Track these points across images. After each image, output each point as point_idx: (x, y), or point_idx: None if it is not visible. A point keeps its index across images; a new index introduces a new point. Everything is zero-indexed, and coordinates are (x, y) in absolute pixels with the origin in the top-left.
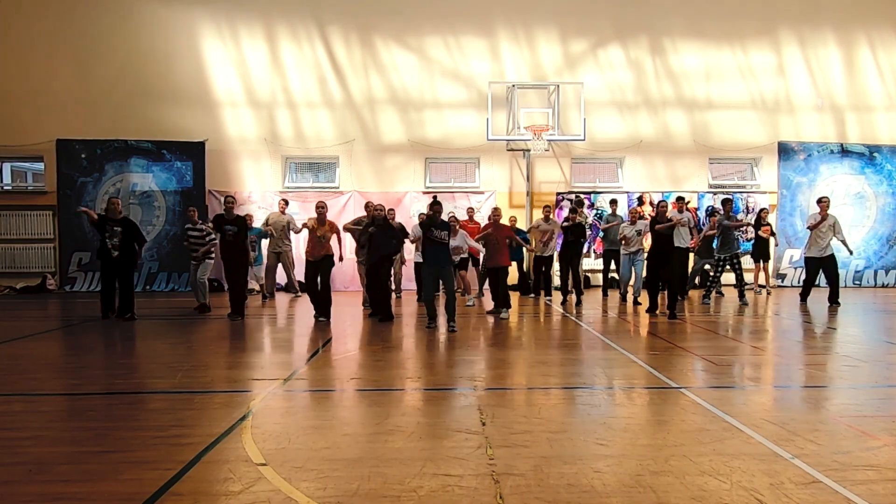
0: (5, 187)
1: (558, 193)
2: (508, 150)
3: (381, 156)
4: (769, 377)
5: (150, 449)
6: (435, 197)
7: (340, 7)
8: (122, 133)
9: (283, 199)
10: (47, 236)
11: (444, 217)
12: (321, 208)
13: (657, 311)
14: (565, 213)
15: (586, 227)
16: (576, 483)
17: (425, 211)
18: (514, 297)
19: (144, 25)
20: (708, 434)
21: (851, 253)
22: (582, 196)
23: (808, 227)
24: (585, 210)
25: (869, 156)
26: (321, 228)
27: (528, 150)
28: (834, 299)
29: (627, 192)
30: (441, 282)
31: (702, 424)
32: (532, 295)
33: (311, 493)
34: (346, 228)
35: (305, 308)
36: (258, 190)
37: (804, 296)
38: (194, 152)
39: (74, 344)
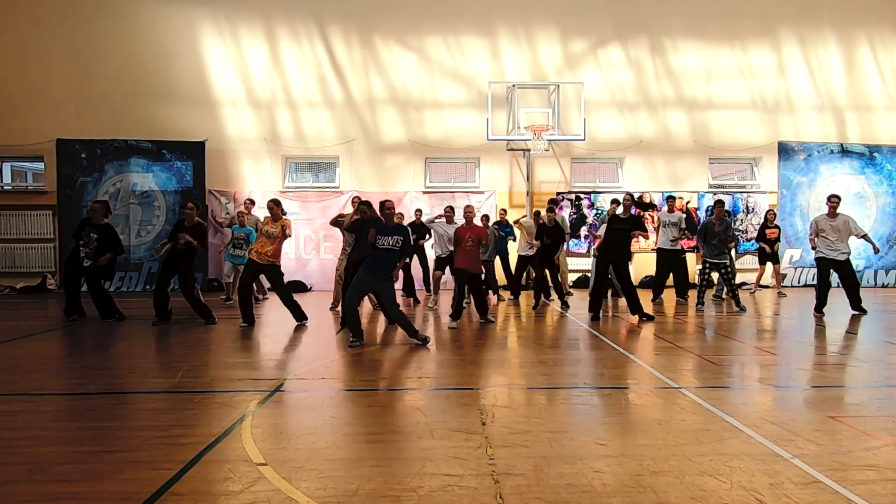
0: (5, 187)
1: (558, 193)
2: (508, 150)
3: (382, 156)
4: (769, 377)
5: (149, 449)
6: (385, 202)
7: (340, 7)
8: (121, 133)
9: (250, 200)
10: (47, 236)
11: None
12: (273, 205)
13: (601, 314)
14: (565, 213)
15: (567, 227)
16: (576, 483)
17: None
18: (509, 296)
19: (144, 25)
20: (708, 434)
21: (877, 251)
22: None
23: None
24: (585, 210)
25: (869, 156)
26: (271, 224)
27: (528, 150)
28: (856, 306)
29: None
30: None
31: (702, 424)
32: (512, 297)
33: (311, 493)
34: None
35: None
36: (258, 190)
37: (819, 305)
38: (194, 152)
39: (74, 344)
